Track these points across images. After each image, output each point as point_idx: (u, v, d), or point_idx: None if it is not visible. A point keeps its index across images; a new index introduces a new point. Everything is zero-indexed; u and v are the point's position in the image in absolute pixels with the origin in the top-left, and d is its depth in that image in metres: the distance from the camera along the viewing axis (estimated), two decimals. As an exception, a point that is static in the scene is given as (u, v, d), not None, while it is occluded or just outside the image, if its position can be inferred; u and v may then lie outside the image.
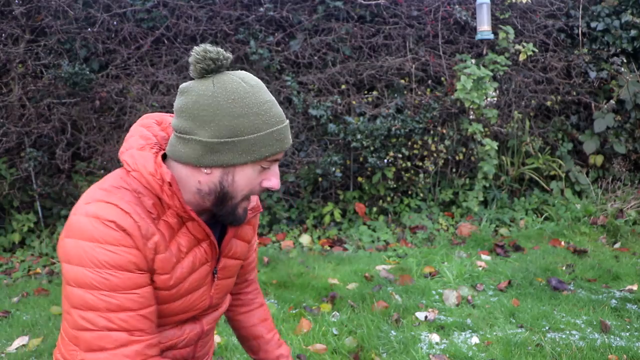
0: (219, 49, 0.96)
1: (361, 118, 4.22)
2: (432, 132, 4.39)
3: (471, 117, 4.48)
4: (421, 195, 4.56)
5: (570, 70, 4.83)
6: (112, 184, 0.98)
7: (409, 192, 4.58)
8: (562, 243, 3.95)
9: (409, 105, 4.34)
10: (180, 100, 0.98)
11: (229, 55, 0.98)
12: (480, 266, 3.51)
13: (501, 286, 3.21)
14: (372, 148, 4.17)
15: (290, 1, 4.27)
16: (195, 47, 0.97)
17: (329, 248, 4.02)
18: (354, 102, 4.31)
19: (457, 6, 4.48)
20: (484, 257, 3.73)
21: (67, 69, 3.76)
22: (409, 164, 4.34)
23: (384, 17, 4.42)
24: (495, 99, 4.63)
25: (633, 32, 4.75)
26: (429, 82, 4.53)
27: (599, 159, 4.88)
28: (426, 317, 2.83)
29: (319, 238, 4.21)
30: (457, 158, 4.50)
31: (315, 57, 4.31)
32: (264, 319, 1.37)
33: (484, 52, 4.52)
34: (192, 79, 1.00)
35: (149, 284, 0.99)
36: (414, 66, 4.39)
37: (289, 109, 4.22)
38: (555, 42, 4.78)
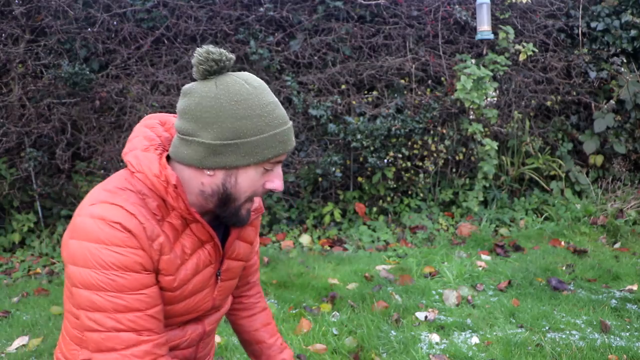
0: (222, 50, 0.96)
1: (361, 118, 4.22)
2: (432, 132, 4.39)
3: (471, 117, 4.48)
4: (421, 195, 4.56)
5: (570, 70, 4.83)
6: (117, 185, 0.98)
7: (409, 192, 4.58)
8: (562, 243, 3.95)
9: (409, 105, 4.34)
10: (183, 101, 0.98)
11: (232, 56, 0.97)
12: (480, 266, 3.51)
13: (501, 286, 3.22)
14: (372, 148, 4.17)
15: (290, 1, 4.27)
16: (197, 48, 0.96)
17: (329, 248, 4.02)
18: (354, 102, 4.31)
19: (457, 6, 4.48)
20: (484, 257, 3.73)
21: (67, 69, 3.76)
22: (409, 164, 4.34)
23: (384, 17, 4.42)
24: (495, 99, 4.63)
25: (633, 32, 4.75)
26: (429, 82, 4.53)
27: (599, 159, 4.88)
28: (426, 317, 2.83)
29: (319, 238, 4.21)
30: (457, 158, 4.50)
31: (315, 57, 4.30)
32: (266, 323, 1.36)
33: (484, 52, 4.52)
34: (193, 79, 0.99)
35: (155, 284, 0.99)
36: (414, 66, 4.39)
37: (289, 109, 4.21)
38: (555, 42, 4.79)
